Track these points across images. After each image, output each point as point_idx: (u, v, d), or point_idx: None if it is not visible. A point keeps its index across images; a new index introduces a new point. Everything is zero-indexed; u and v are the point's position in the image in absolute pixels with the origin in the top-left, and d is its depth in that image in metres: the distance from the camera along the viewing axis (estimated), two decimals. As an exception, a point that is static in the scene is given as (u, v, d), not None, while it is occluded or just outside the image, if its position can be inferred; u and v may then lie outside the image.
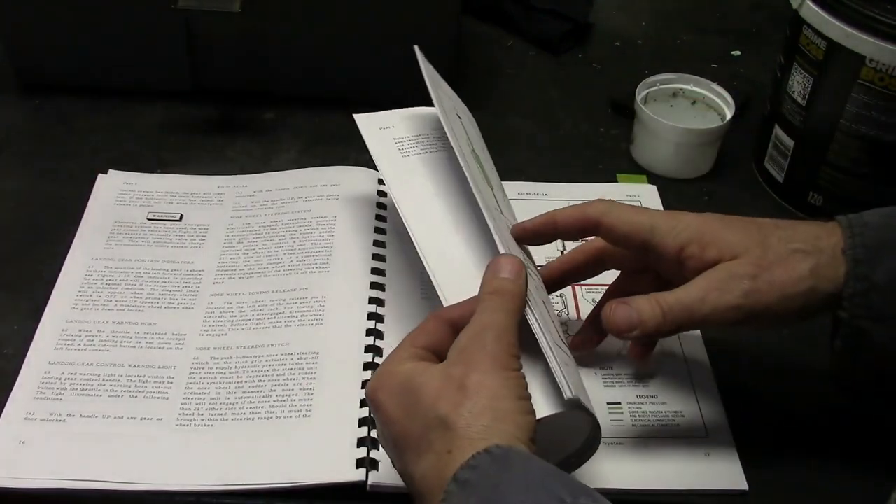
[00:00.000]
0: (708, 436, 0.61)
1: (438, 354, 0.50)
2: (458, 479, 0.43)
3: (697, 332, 0.66)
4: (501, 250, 0.55)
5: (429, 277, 0.60)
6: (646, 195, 0.79)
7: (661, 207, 0.74)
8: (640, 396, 0.63)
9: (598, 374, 0.64)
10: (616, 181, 0.82)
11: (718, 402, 0.63)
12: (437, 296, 0.56)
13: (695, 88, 0.84)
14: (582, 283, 0.68)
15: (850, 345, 0.55)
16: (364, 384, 0.61)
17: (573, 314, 0.69)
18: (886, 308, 0.53)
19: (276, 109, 0.88)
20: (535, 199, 0.77)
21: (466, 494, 0.42)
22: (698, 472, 0.59)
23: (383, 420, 0.48)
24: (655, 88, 0.84)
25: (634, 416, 0.62)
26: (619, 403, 0.63)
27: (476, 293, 0.52)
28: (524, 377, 0.48)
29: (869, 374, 0.57)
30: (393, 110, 0.71)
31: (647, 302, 0.55)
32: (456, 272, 0.58)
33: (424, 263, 0.58)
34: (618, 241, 0.59)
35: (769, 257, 0.54)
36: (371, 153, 0.67)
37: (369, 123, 0.70)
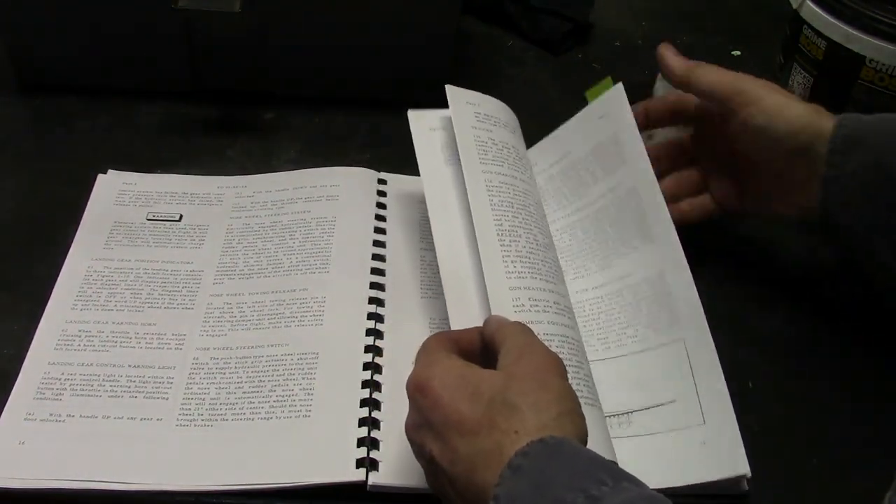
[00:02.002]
0: (705, 423, 0.59)
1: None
2: (512, 464, 0.45)
3: (704, 325, 0.66)
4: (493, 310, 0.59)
5: (428, 281, 0.60)
6: (614, 102, 0.75)
7: (628, 106, 0.73)
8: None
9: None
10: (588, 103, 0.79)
11: (722, 389, 0.60)
12: (439, 300, 0.56)
13: None
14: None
15: (825, 224, 0.65)
16: (364, 384, 0.61)
17: None
18: (848, 195, 0.63)
19: (276, 109, 0.87)
20: None
21: (517, 479, 0.44)
22: (696, 460, 0.58)
23: (432, 406, 0.49)
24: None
25: (630, 414, 0.62)
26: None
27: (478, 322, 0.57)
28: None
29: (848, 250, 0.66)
30: (445, 110, 0.69)
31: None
32: (464, 296, 0.60)
33: (441, 278, 0.61)
34: (703, 94, 0.72)
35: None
36: (417, 155, 0.68)
37: (420, 123, 0.70)
